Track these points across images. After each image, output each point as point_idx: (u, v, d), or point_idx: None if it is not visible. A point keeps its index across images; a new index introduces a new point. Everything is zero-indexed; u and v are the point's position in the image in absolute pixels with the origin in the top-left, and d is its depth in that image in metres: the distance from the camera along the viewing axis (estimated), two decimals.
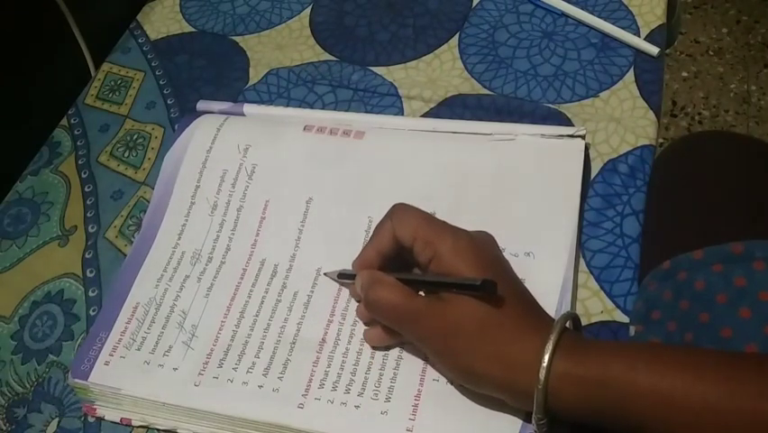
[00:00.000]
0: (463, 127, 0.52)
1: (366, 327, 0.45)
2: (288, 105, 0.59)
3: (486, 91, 0.57)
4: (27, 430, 0.46)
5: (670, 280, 0.43)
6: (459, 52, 0.60)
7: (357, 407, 0.42)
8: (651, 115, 0.54)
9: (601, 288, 0.46)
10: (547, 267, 0.45)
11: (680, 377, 0.34)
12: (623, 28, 0.58)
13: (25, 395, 0.48)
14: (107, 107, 0.62)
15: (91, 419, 0.46)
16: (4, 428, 0.47)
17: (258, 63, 0.62)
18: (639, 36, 0.58)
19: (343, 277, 0.46)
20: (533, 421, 0.38)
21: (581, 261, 0.47)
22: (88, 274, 0.52)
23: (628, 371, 0.35)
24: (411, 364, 0.43)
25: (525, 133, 0.51)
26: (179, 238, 0.51)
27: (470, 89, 0.57)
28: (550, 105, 0.55)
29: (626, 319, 0.45)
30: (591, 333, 0.45)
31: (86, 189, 0.57)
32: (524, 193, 0.49)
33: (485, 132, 0.51)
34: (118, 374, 0.45)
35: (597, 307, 0.46)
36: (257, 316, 0.47)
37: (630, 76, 0.56)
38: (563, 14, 0.61)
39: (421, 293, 0.42)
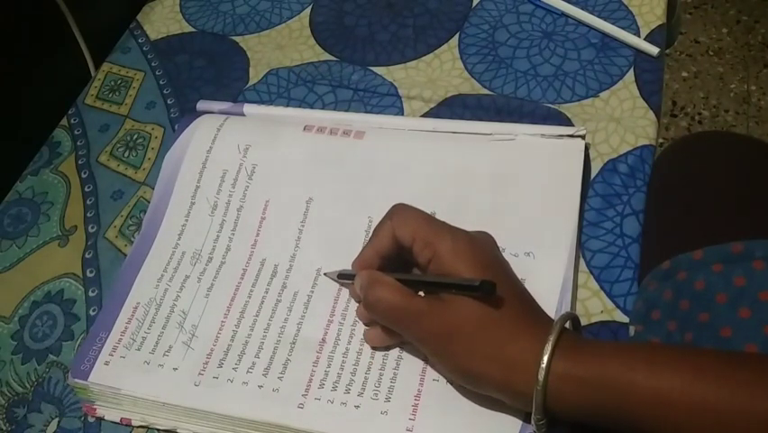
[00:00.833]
0: (463, 127, 0.52)
1: (366, 328, 0.45)
2: (288, 105, 0.59)
3: (486, 91, 0.57)
4: (27, 430, 0.46)
5: (670, 279, 0.43)
6: (459, 52, 0.60)
7: (357, 407, 0.42)
8: (651, 115, 0.54)
9: (601, 288, 0.46)
10: (547, 267, 0.45)
11: (678, 377, 0.34)
12: (623, 28, 0.58)
13: (25, 395, 0.48)
14: (107, 107, 0.62)
15: (91, 419, 0.46)
16: (4, 428, 0.47)
17: (258, 63, 0.62)
18: (639, 36, 0.58)
19: (343, 277, 0.46)
20: (532, 422, 0.38)
21: (581, 261, 0.47)
22: (88, 274, 0.52)
23: (627, 371, 0.35)
24: (411, 364, 0.43)
25: (525, 133, 0.51)
26: (179, 238, 0.51)
27: (470, 89, 0.57)
28: (550, 105, 0.55)
29: (625, 319, 0.45)
30: (591, 333, 0.45)
31: (86, 189, 0.57)
32: (524, 193, 0.49)
33: (485, 132, 0.51)
34: (118, 374, 0.45)
35: (597, 307, 0.46)
36: (257, 316, 0.47)
37: (630, 76, 0.56)
38: (563, 14, 0.61)
39: (420, 293, 0.42)
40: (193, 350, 0.46)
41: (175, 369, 0.45)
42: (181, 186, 0.53)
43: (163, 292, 0.48)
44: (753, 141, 0.51)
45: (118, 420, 0.45)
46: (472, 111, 0.56)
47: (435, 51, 0.61)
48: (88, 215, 0.55)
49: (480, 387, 0.39)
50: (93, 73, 0.65)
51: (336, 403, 0.42)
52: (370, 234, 0.48)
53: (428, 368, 0.43)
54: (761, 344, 0.38)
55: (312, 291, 0.47)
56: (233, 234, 0.50)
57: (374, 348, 0.44)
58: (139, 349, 0.46)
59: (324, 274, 0.48)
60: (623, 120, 0.53)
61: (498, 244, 0.44)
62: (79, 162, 0.58)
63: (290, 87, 0.60)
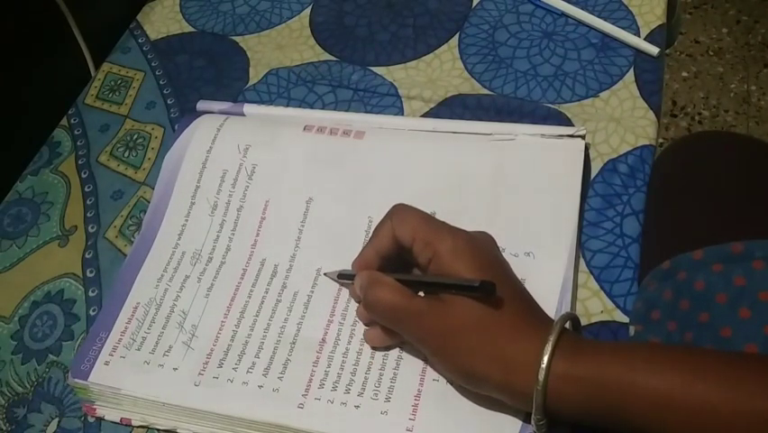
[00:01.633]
0: (463, 127, 0.52)
1: (366, 328, 0.45)
2: (288, 105, 0.59)
3: (486, 91, 0.57)
4: (27, 430, 0.46)
5: (670, 279, 0.43)
6: (459, 52, 0.60)
7: (357, 407, 0.42)
8: (651, 115, 0.54)
9: (601, 288, 0.46)
10: (547, 267, 0.45)
11: (678, 377, 0.34)
12: (623, 28, 0.58)
13: (25, 395, 0.48)
14: (107, 107, 0.62)
15: (91, 419, 0.46)
16: (4, 428, 0.47)
17: (258, 63, 0.62)
18: (639, 36, 0.58)
19: (343, 277, 0.46)
20: (532, 422, 0.38)
21: (581, 261, 0.47)
22: (88, 274, 0.52)
23: (627, 371, 0.35)
24: (411, 364, 0.43)
25: (525, 133, 0.51)
26: (179, 238, 0.51)
27: (470, 89, 0.57)
28: (550, 106, 0.55)
29: (626, 319, 0.45)
30: (591, 333, 0.45)
31: (86, 189, 0.57)
32: (524, 193, 0.49)
33: (485, 132, 0.51)
34: (118, 374, 0.45)
35: (597, 307, 0.46)
36: (257, 316, 0.47)
37: (630, 76, 0.56)
38: (563, 14, 0.61)
39: (421, 293, 0.42)
40: (193, 350, 0.46)
41: (175, 369, 0.45)
42: (181, 186, 0.53)
43: (163, 292, 0.48)
44: (753, 141, 0.51)
45: (118, 420, 0.45)
46: (472, 111, 0.56)
47: (435, 51, 0.61)
48: (88, 215, 0.55)
49: (480, 387, 0.39)
50: (93, 73, 0.65)
51: (336, 403, 0.42)
52: (370, 234, 0.48)
53: (428, 368, 0.43)
54: (761, 344, 0.38)
55: (312, 291, 0.47)
56: (233, 234, 0.50)
57: (374, 348, 0.44)
58: (139, 349, 0.46)
59: (324, 274, 0.48)
60: (623, 120, 0.53)
61: (498, 244, 0.44)
62: (79, 162, 0.58)
63: (290, 87, 0.60)
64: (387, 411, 0.42)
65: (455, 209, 0.48)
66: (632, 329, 0.44)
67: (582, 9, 0.60)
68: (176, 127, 0.57)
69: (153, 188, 0.54)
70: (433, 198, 0.48)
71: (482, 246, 0.42)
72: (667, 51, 0.64)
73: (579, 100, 0.55)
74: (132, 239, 0.53)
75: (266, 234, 0.50)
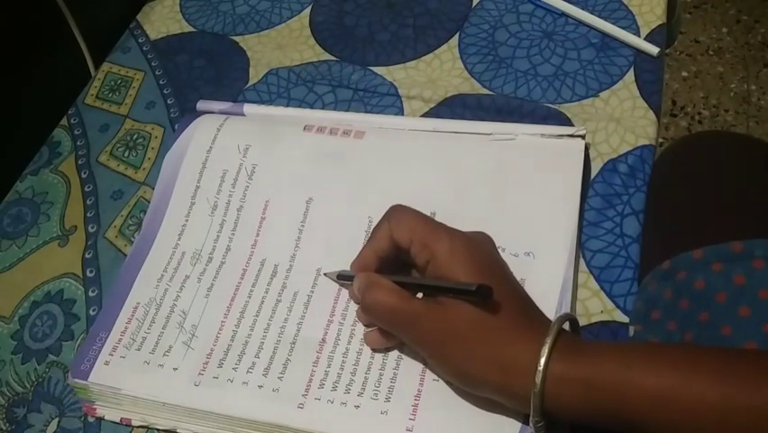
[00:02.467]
0: (463, 127, 0.52)
1: (366, 329, 0.45)
2: (287, 105, 0.59)
3: (486, 91, 0.57)
4: (27, 430, 0.46)
5: (670, 279, 0.43)
6: (459, 52, 0.60)
7: (357, 407, 0.42)
8: (651, 114, 0.54)
9: (601, 288, 0.46)
10: (547, 267, 0.45)
11: (675, 376, 0.34)
12: (623, 28, 0.58)
13: (25, 395, 0.48)
14: (107, 107, 0.62)
15: (91, 419, 0.46)
16: (4, 428, 0.47)
17: (258, 63, 0.62)
18: (639, 36, 0.58)
19: (342, 278, 0.46)
20: (530, 424, 0.38)
21: (581, 261, 0.47)
22: (88, 274, 0.52)
23: (624, 371, 0.35)
24: (411, 364, 0.43)
25: (525, 133, 0.51)
26: (179, 238, 0.51)
27: (470, 89, 0.57)
28: (550, 106, 0.55)
29: (626, 319, 0.45)
30: (591, 333, 0.45)
31: (86, 189, 0.57)
32: (524, 193, 0.49)
33: (485, 132, 0.51)
34: (118, 374, 0.45)
35: (597, 307, 0.46)
36: (257, 316, 0.47)
37: (630, 76, 0.56)
38: (563, 14, 0.61)
39: (419, 295, 0.42)
40: (193, 350, 0.46)
41: (175, 369, 0.45)
42: (181, 186, 0.53)
43: (163, 292, 0.48)
44: (753, 141, 0.51)
45: (118, 420, 0.45)
46: (472, 111, 0.56)
47: (435, 51, 0.61)
48: (88, 215, 0.55)
49: (478, 390, 0.39)
50: (93, 73, 0.65)
51: (336, 403, 0.42)
52: (369, 234, 0.48)
53: (428, 368, 0.43)
54: (760, 342, 0.38)
55: (312, 291, 0.47)
56: (233, 234, 0.50)
57: (374, 350, 0.44)
58: (139, 349, 0.46)
59: (324, 275, 0.48)
60: (623, 120, 0.53)
61: (498, 244, 0.44)
62: (79, 162, 0.58)
63: (290, 87, 0.60)
64: (387, 411, 0.42)
65: (455, 209, 0.48)
66: (632, 329, 0.44)
67: (582, 9, 0.60)
68: (176, 127, 0.57)
69: (153, 188, 0.54)
70: (433, 198, 0.48)
71: (480, 248, 0.41)
72: (667, 51, 0.64)
73: (579, 100, 0.55)
74: (132, 239, 0.53)
75: (266, 234, 0.50)
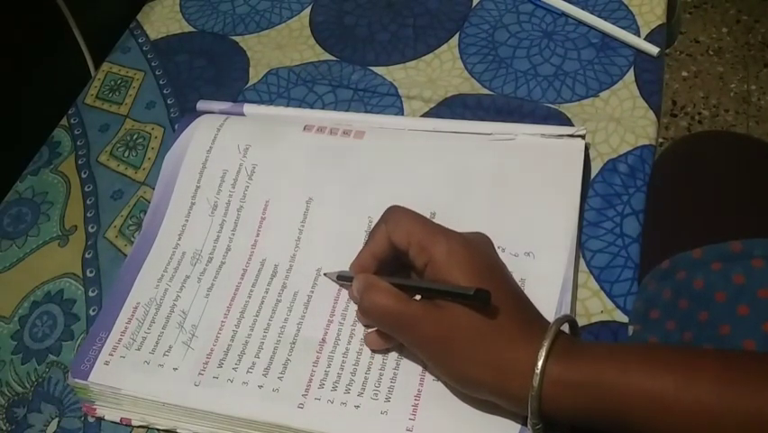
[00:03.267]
0: (463, 127, 0.52)
1: (366, 331, 0.45)
2: (288, 105, 0.59)
3: (486, 91, 0.57)
4: (27, 430, 0.46)
5: (669, 279, 0.43)
6: (459, 52, 0.60)
7: (357, 407, 0.42)
8: (651, 114, 0.54)
9: (601, 288, 0.46)
10: (547, 267, 0.45)
11: (671, 378, 0.34)
12: (623, 28, 0.58)
13: (25, 395, 0.48)
14: (107, 107, 0.62)
15: (91, 419, 0.46)
16: (4, 428, 0.47)
17: (258, 63, 0.62)
18: (639, 36, 0.58)
19: (342, 279, 0.46)
20: (528, 426, 0.38)
21: (581, 261, 0.47)
22: (88, 274, 0.52)
23: (621, 373, 0.35)
24: (411, 364, 0.43)
25: (525, 133, 0.51)
26: (180, 238, 0.51)
27: (470, 89, 0.57)
28: (550, 106, 0.55)
29: (626, 319, 0.45)
30: (591, 333, 0.45)
31: (86, 189, 0.57)
32: (524, 193, 0.49)
33: (485, 132, 0.51)
34: (118, 374, 0.45)
35: (597, 307, 0.46)
36: (257, 316, 0.47)
37: (630, 76, 0.56)
38: (563, 14, 0.61)
39: (418, 297, 0.42)
40: (193, 350, 0.46)
41: (175, 369, 0.45)
42: (181, 186, 0.53)
43: (163, 292, 0.48)
44: (753, 141, 0.51)
45: (118, 420, 0.45)
46: (472, 111, 0.56)
47: (435, 51, 0.61)
48: (88, 215, 0.55)
49: (477, 392, 0.39)
50: (93, 73, 0.65)
51: (336, 403, 0.42)
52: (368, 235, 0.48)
53: (427, 370, 0.43)
54: (759, 340, 0.38)
55: (312, 291, 0.47)
56: (234, 234, 0.50)
57: (373, 351, 0.44)
58: (139, 349, 0.46)
59: (324, 275, 0.48)
60: (623, 120, 0.53)
61: (498, 245, 0.44)
62: (79, 162, 0.58)
63: (290, 87, 0.60)
64: (387, 411, 0.42)
65: (455, 209, 0.48)
66: (630, 329, 0.44)
67: (582, 9, 0.60)
68: (176, 127, 0.57)
69: (153, 188, 0.54)
70: (433, 199, 0.48)
71: (478, 249, 0.41)
72: (667, 51, 0.64)
73: (579, 100, 0.55)
74: (132, 239, 0.53)
75: (266, 234, 0.50)
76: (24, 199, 0.57)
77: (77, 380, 0.45)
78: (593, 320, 0.45)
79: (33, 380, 0.48)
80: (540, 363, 0.36)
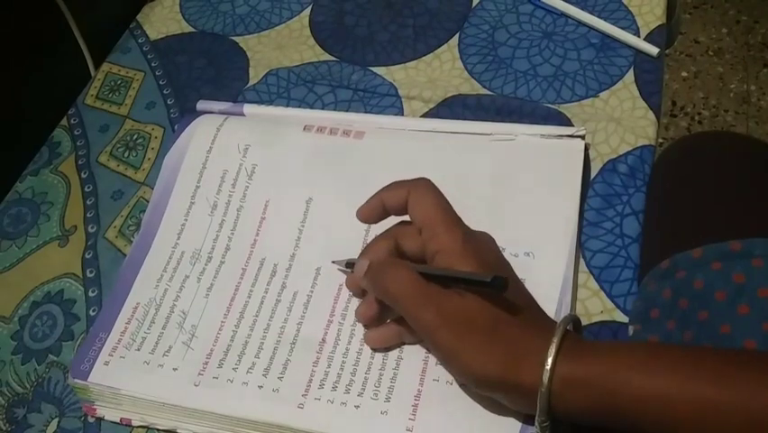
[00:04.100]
0: (463, 127, 0.52)
1: (366, 330, 0.45)
2: (287, 106, 0.59)
3: (486, 91, 0.57)
4: (27, 430, 0.46)
5: (669, 278, 0.43)
6: (459, 52, 0.60)
7: (357, 407, 0.42)
8: (651, 115, 0.54)
9: (601, 288, 0.46)
10: (547, 267, 0.45)
11: (675, 376, 0.34)
12: (623, 28, 0.58)
13: (25, 395, 0.48)
14: (107, 107, 0.62)
15: (91, 419, 0.46)
16: (4, 428, 0.47)
17: (258, 63, 0.62)
18: (639, 36, 0.58)
19: (351, 266, 0.46)
20: (536, 424, 0.38)
21: (581, 261, 0.47)
22: (88, 274, 0.52)
23: (625, 371, 0.35)
24: (411, 364, 0.43)
25: (525, 133, 0.51)
26: (179, 238, 0.51)
27: (470, 89, 0.57)
28: (550, 105, 0.55)
29: (625, 319, 0.45)
30: (591, 333, 0.45)
31: (86, 189, 0.57)
32: (524, 193, 0.49)
33: (485, 132, 0.51)
34: (118, 374, 0.45)
35: (597, 307, 0.46)
36: (257, 316, 0.47)
37: (630, 76, 0.56)
38: (563, 14, 0.61)
39: None
40: (193, 350, 0.46)
41: (175, 369, 0.45)
42: (181, 185, 0.53)
43: (163, 292, 0.48)
44: (753, 141, 0.51)
45: (118, 420, 0.45)
46: (472, 111, 0.56)
47: (435, 51, 0.61)
48: (88, 215, 0.55)
49: (485, 385, 0.39)
50: (93, 73, 0.65)
51: (336, 403, 0.42)
52: (369, 234, 0.48)
53: (428, 368, 0.43)
54: (760, 340, 0.38)
55: (312, 291, 0.47)
56: (233, 233, 0.50)
57: (374, 350, 0.44)
58: (139, 349, 0.46)
59: (333, 262, 0.47)
60: (623, 120, 0.53)
61: (498, 244, 0.44)
62: (79, 162, 0.58)
63: (290, 88, 0.60)
64: (387, 411, 0.42)
65: (455, 209, 0.48)
66: (631, 328, 0.44)
67: (582, 9, 0.60)
68: (176, 127, 0.57)
69: (153, 189, 0.54)
70: None
71: (488, 246, 0.42)
72: (667, 51, 0.64)
73: (578, 100, 0.55)
74: (132, 239, 0.53)
75: (266, 233, 0.50)
76: (24, 199, 0.57)
77: (76, 380, 0.45)
78: (593, 320, 0.45)
79: (33, 380, 0.48)
80: (550, 360, 0.36)
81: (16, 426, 0.47)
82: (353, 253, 0.46)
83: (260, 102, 0.59)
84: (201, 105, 0.58)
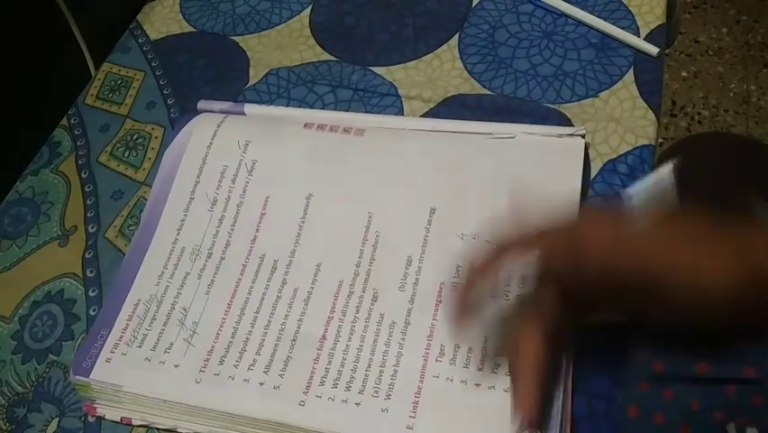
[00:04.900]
0: (463, 127, 0.52)
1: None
2: (288, 106, 0.59)
3: (486, 91, 0.57)
4: (27, 430, 0.46)
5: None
6: (459, 52, 0.60)
7: (358, 404, 0.42)
8: (651, 115, 0.54)
9: None
10: None
11: None
12: (623, 28, 0.58)
13: (25, 395, 0.48)
14: (107, 107, 0.62)
15: (91, 419, 0.46)
16: (4, 428, 0.47)
17: (258, 63, 0.62)
18: (639, 36, 0.58)
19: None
20: None
21: None
22: (88, 274, 0.52)
23: None
24: (412, 362, 0.43)
25: (525, 133, 0.51)
26: (178, 234, 0.51)
27: (470, 89, 0.57)
28: (550, 106, 0.55)
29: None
30: (591, 332, 0.44)
31: (87, 189, 0.57)
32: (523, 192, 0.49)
33: (485, 132, 0.52)
34: (119, 371, 0.45)
35: None
36: (257, 312, 0.47)
37: (630, 76, 0.56)
38: (563, 14, 0.61)
39: None
40: (194, 347, 0.46)
41: (176, 366, 0.45)
42: (181, 181, 0.53)
43: (164, 289, 0.48)
44: (752, 141, 0.52)
45: (118, 420, 0.45)
46: (472, 111, 0.56)
47: (435, 51, 0.61)
48: (88, 215, 0.55)
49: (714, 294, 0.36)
50: (93, 73, 0.65)
51: (337, 401, 0.42)
52: (369, 230, 0.48)
53: (428, 365, 0.43)
54: None
55: (312, 288, 0.47)
56: (233, 229, 0.50)
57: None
58: (140, 346, 0.46)
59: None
60: (623, 120, 0.53)
61: None
62: (79, 162, 0.59)
63: (290, 88, 0.60)
64: (387, 409, 0.42)
65: (455, 209, 0.48)
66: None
67: (582, 9, 0.60)
68: (175, 126, 0.57)
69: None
70: (432, 198, 0.48)
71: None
72: (667, 51, 0.64)
73: (578, 100, 0.55)
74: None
75: (266, 229, 0.50)
76: (24, 199, 0.57)
77: (78, 377, 0.45)
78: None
79: (33, 380, 0.48)
80: None
81: (16, 425, 0.47)
82: (353, 249, 0.45)
83: (261, 102, 0.59)
84: (202, 104, 0.58)
